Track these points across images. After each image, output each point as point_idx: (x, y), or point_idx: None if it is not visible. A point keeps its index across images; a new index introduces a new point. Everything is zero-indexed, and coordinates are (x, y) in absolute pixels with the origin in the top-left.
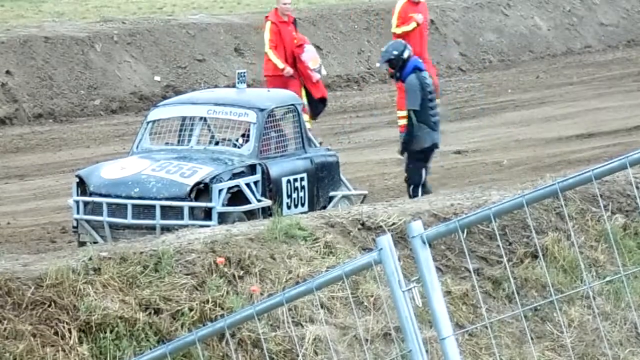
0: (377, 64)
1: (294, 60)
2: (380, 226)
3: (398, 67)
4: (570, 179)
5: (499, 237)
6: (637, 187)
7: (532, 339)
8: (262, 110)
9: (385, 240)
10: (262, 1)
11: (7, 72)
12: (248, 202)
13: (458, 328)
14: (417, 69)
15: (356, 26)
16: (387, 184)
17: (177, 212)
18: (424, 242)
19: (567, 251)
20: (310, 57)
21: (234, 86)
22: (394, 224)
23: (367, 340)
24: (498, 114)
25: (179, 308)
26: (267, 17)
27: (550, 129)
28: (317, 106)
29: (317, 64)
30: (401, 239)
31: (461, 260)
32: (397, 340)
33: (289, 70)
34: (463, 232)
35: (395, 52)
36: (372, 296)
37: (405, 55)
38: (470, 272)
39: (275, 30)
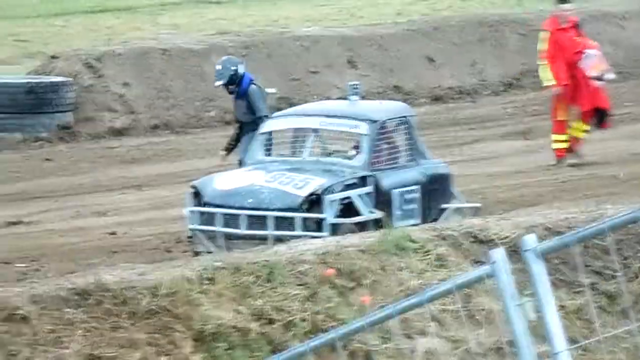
0: (217, 83)
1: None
2: (493, 239)
3: (237, 82)
4: None
5: (614, 251)
6: None
7: None
8: (374, 122)
9: (498, 254)
10: (375, 13)
11: (125, 83)
12: (359, 213)
13: (572, 343)
14: (252, 82)
15: (470, 38)
16: (500, 196)
17: (290, 223)
18: (538, 256)
19: None
20: (589, 64)
21: (346, 98)
22: (506, 237)
23: (479, 354)
24: (615, 127)
25: (291, 318)
26: (543, 25)
27: None
28: (598, 115)
29: (600, 70)
30: (514, 252)
31: (575, 275)
32: (511, 355)
33: (556, 90)
34: (577, 246)
35: (234, 68)
36: (484, 310)
37: (241, 70)
38: (584, 286)
39: (551, 40)
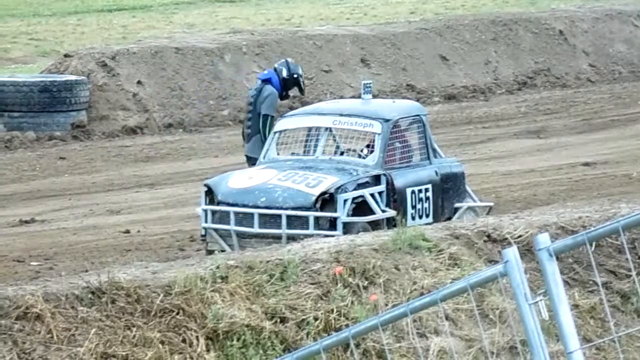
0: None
1: None
2: (506, 238)
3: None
4: None
5: (628, 250)
6: None
7: None
8: (387, 120)
9: (512, 253)
10: (388, 12)
11: (139, 82)
12: (372, 212)
13: (585, 342)
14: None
15: (483, 37)
16: (513, 195)
17: (303, 222)
18: (551, 255)
19: None
20: None
21: (359, 97)
22: (520, 236)
23: (492, 353)
24: (628, 126)
25: (304, 317)
26: None
27: None
28: None
29: None
30: (527, 251)
31: (589, 274)
32: (523, 354)
33: None
34: (591, 245)
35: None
36: (497, 309)
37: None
38: (598, 285)
39: None
